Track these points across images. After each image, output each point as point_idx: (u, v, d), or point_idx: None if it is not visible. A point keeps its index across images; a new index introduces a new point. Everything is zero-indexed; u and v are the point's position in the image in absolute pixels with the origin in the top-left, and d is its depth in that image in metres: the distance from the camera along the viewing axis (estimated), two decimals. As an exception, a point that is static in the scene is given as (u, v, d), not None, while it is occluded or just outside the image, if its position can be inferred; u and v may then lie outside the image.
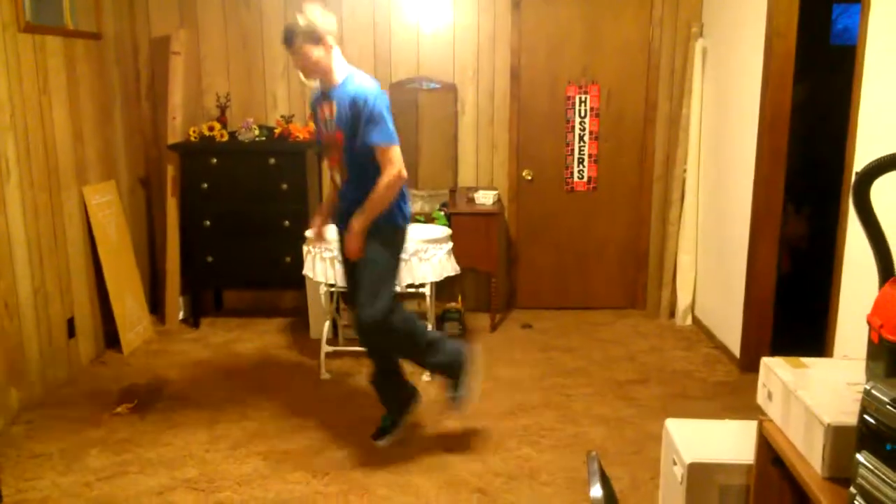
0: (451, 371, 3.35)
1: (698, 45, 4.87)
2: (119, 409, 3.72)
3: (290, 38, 3.01)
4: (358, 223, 3.09)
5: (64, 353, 4.08)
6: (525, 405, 3.84)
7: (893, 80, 2.87)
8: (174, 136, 4.85)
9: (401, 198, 3.17)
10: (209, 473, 3.18)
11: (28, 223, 3.76)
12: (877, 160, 1.95)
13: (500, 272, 5.10)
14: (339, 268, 3.99)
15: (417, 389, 3.52)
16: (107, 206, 4.52)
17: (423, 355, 3.33)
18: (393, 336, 3.18)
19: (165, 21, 5.04)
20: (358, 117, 3.03)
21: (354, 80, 3.11)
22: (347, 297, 3.25)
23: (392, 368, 3.41)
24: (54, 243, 4.01)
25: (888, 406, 1.52)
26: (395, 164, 3.04)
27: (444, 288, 4.77)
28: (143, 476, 3.15)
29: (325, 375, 4.17)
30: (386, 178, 3.05)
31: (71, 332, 4.14)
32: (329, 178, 3.44)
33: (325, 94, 3.17)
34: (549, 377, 4.20)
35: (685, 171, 5.01)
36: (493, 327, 4.97)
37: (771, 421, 2.13)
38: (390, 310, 3.10)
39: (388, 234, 3.16)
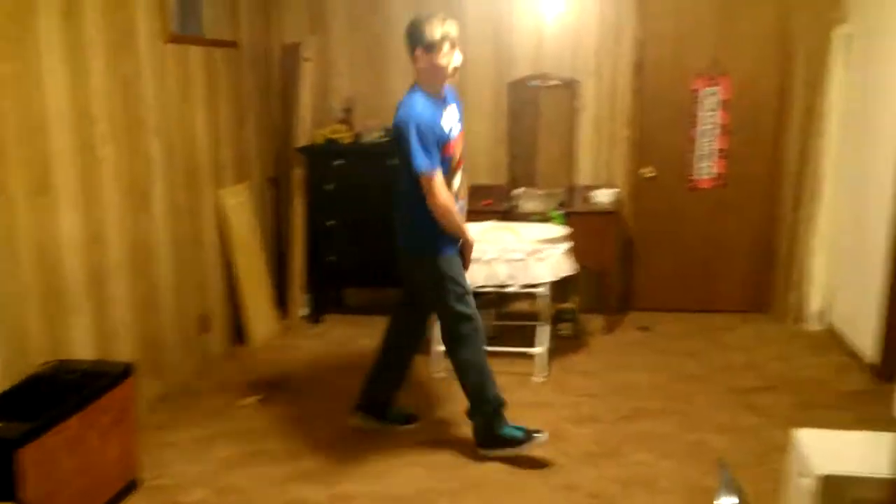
0: None
1: (839, 33, 4.58)
2: (247, 401, 3.91)
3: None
4: None
5: (197, 346, 4.33)
6: (642, 410, 3.76)
7: None
8: (302, 139, 5.06)
9: None
10: (331, 466, 3.29)
11: (170, 223, 4.01)
12: None
13: (615, 272, 4.99)
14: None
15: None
16: (240, 207, 4.74)
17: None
18: None
19: (296, 27, 5.26)
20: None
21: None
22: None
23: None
24: (192, 242, 4.26)
25: None
26: None
27: (558, 288, 4.72)
28: (267, 467, 3.30)
29: (438, 373, 4.23)
30: None
31: (204, 326, 4.39)
32: (447, 191, 3.13)
33: (443, 101, 3.20)
34: (668, 382, 4.09)
35: (820, 167, 4.74)
36: (609, 329, 4.88)
37: (910, 435, 2.00)
38: None
39: None
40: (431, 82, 3.12)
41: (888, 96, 4.05)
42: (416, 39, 3.03)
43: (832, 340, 4.62)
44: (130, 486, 3.09)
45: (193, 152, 4.26)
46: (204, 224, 4.38)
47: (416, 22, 3.05)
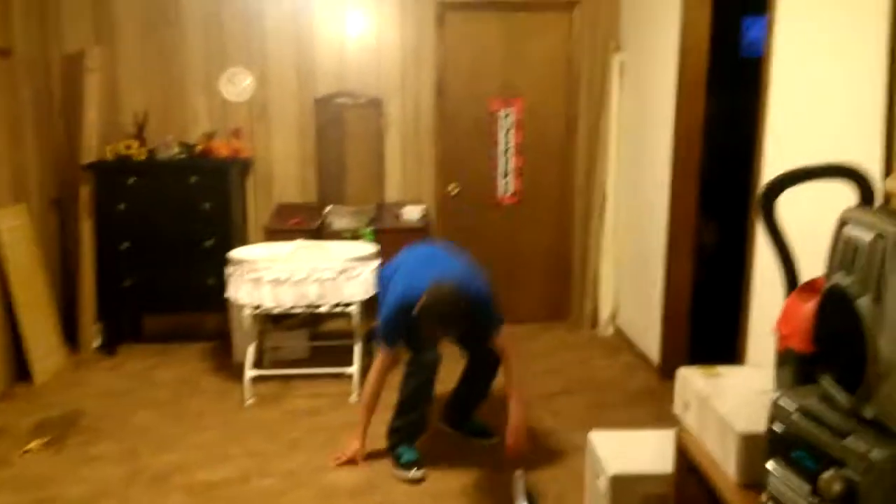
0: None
1: (616, 60, 4.99)
2: (31, 446, 3.55)
3: None
4: None
5: (-30, 386, 3.89)
6: (454, 421, 3.84)
7: (798, 92, 2.97)
8: (89, 156, 4.69)
9: None
10: (128, 508, 3.07)
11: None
12: (780, 175, 2.01)
13: (426, 288, 5.08)
14: (265, 289, 3.93)
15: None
16: (17, 231, 4.33)
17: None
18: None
19: (78, 37, 4.89)
20: None
21: None
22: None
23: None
24: (-42, 272, 3.82)
25: (794, 415, 1.57)
26: None
27: (371, 305, 4.72)
28: (57, 514, 3.02)
29: (249, 401, 4.08)
30: None
31: (-22, 364, 3.95)
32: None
33: None
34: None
35: (605, 183, 5.12)
36: (422, 343, 4.95)
37: (688, 431, 2.18)
38: None
39: None
40: None
41: (655, 116, 4.46)
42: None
43: (623, 344, 4.99)
44: None
45: (-40, 172, 3.83)
46: (-26, 251, 3.94)
47: None
